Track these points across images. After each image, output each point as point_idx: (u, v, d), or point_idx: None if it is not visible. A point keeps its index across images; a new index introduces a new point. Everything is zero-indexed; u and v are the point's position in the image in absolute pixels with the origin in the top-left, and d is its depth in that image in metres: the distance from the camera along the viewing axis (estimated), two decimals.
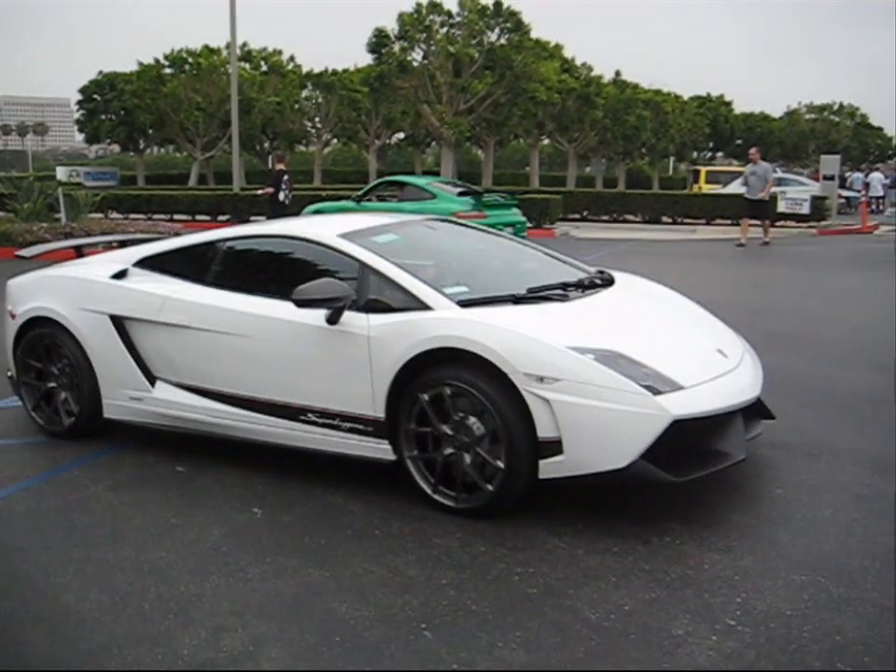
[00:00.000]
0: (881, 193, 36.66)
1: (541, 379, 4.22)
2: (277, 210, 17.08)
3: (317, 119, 51.14)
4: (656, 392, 4.21)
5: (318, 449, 4.93)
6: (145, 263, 5.85)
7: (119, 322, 5.61)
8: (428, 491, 4.59)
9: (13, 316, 6.06)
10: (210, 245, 5.71)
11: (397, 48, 38.04)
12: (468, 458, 4.45)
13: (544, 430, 4.25)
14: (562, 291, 5.13)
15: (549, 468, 4.28)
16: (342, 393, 4.78)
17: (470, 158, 59.88)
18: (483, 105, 32.20)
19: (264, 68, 49.34)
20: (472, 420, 4.43)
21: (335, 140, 56.46)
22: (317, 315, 4.79)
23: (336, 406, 4.80)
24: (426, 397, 4.51)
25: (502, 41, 37.53)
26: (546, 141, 44.71)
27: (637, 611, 3.59)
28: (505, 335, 4.37)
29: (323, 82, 48.88)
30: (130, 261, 5.90)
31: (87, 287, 5.82)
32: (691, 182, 38.69)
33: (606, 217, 28.27)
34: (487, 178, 37.04)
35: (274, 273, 5.51)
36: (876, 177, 37.56)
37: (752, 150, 20.64)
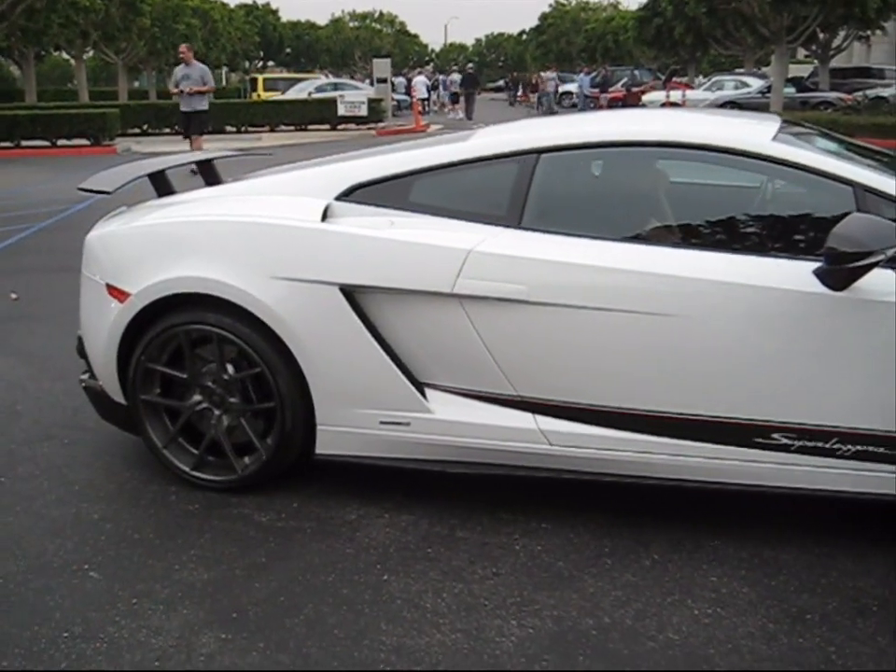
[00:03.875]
0: (426, 95, 38.99)
1: None
2: None
3: None
4: None
5: (778, 486, 3.23)
6: (364, 194, 3.63)
7: (352, 298, 3.47)
8: None
9: (120, 295, 3.66)
10: (508, 160, 3.53)
11: None
12: None
13: None
14: None
15: None
16: (850, 401, 3.10)
17: (3, 75, 54.08)
18: (15, 11, 28.97)
19: None
20: None
21: None
22: (799, 278, 3.06)
23: (832, 421, 3.11)
24: None
25: None
26: (91, 53, 41.65)
27: (306, 505, 3.59)
28: None
29: None
30: (328, 193, 3.66)
31: (285, 238, 3.50)
32: (249, 90, 38.52)
33: (168, 130, 27.08)
34: (31, 95, 33.72)
35: (678, 208, 3.59)
36: (421, 81, 39.79)
37: (183, 47, 15.48)
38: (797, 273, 3.09)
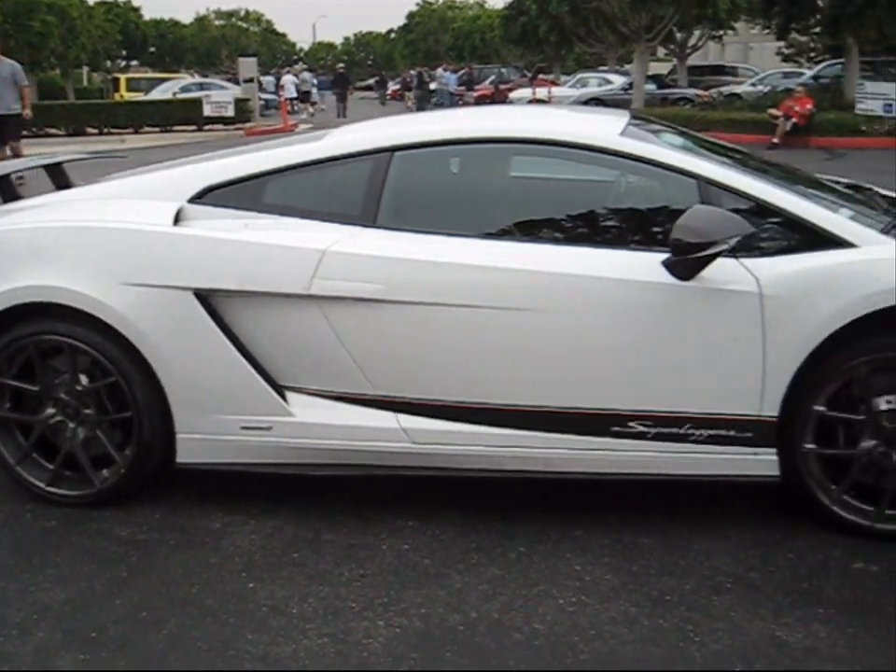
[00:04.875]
0: (295, 94, 38.54)
1: None
2: None
3: None
4: None
5: (636, 472, 3.32)
6: (217, 196, 3.55)
7: (208, 302, 3.37)
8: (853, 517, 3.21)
9: None
10: (361, 159, 3.50)
11: None
12: None
13: None
14: None
15: None
16: (701, 386, 3.20)
17: None
18: None
19: None
20: None
21: None
22: (649, 269, 3.14)
23: (685, 407, 3.21)
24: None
25: None
26: None
27: (169, 517, 3.50)
28: None
29: None
30: (181, 196, 3.56)
31: (135, 244, 3.39)
32: (111, 91, 37.39)
33: (25, 133, 26.05)
34: None
35: (533, 203, 3.63)
36: (289, 79, 39.31)
37: None
38: (648, 265, 3.16)
